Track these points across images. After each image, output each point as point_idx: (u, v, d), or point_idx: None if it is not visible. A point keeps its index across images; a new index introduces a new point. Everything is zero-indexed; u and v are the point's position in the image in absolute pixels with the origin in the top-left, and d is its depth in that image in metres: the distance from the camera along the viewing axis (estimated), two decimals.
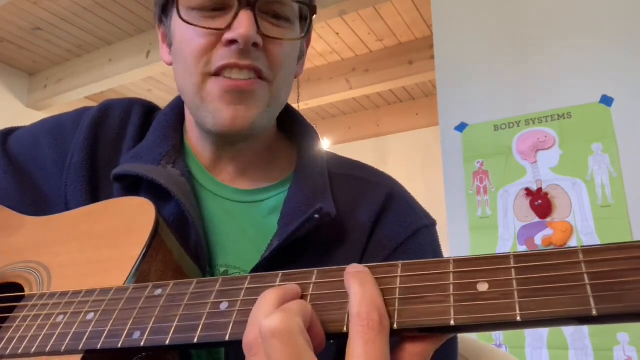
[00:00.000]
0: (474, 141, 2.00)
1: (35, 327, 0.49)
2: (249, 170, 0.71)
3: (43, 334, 0.48)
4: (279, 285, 0.43)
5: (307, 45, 0.76)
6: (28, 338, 0.48)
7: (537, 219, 1.80)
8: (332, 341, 0.40)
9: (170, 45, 0.69)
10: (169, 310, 0.44)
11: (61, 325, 0.48)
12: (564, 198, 1.77)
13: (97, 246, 0.56)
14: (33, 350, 0.47)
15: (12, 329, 0.50)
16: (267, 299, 0.40)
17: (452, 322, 0.35)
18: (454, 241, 1.94)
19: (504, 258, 0.37)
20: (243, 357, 0.58)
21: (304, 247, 0.62)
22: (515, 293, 0.35)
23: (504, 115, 1.96)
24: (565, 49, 1.90)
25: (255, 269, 0.60)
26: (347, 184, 0.70)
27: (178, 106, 0.75)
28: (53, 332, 0.47)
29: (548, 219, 1.78)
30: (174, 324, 0.43)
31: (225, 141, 0.68)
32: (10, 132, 0.76)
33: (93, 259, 0.55)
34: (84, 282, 0.53)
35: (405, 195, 0.72)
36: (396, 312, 0.38)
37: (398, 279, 0.39)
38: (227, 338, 0.40)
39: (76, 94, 3.97)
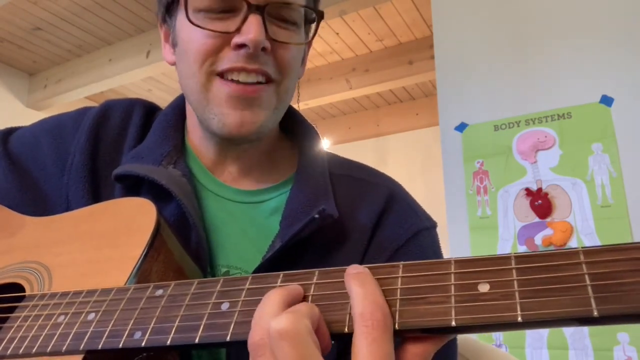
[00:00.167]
0: (474, 141, 2.00)
1: (36, 327, 0.49)
2: (251, 171, 0.71)
3: (44, 334, 0.48)
4: (281, 286, 0.43)
5: (309, 48, 0.77)
6: (29, 338, 0.48)
7: (537, 219, 1.80)
8: (332, 342, 0.40)
9: (174, 45, 0.69)
10: (170, 311, 0.44)
11: (62, 326, 0.48)
12: (564, 198, 1.77)
13: (98, 246, 0.56)
14: (34, 350, 0.47)
15: (13, 329, 0.50)
16: (272, 299, 0.40)
17: (453, 323, 0.36)
18: (454, 241, 1.94)
19: (505, 259, 0.37)
20: (244, 357, 0.58)
21: (305, 248, 0.62)
22: (517, 294, 0.35)
23: (504, 115, 1.96)
24: (565, 49, 1.90)
25: (257, 270, 0.60)
26: (347, 185, 0.70)
27: (179, 106, 0.75)
28: (54, 333, 0.47)
29: (548, 219, 1.78)
30: (175, 324, 0.43)
31: (230, 142, 0.68)
32: (10, 131, 0.76)
33: (94, 259, 0.55)
34: (84, 282, 0.53)
35: (406, 196, 0.72)
36: (397, 313, 0.38)
37: (399, 279, 0.39)
38: (228, 338, 0.40)
39: (76, 94, 3.97)
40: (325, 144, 4.34)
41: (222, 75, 0.63)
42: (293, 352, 0.35)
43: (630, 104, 1.74)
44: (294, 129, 0.77)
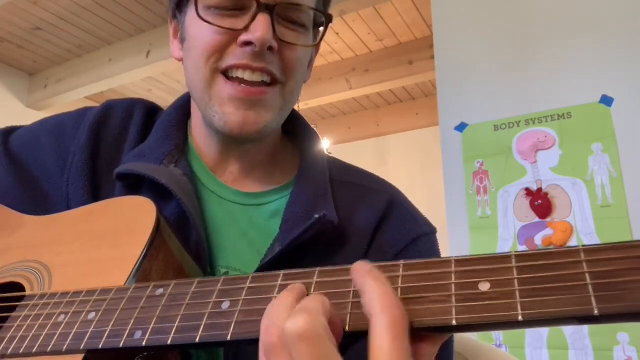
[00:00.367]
0: (474, 141, 2.00)
1: (36, 326, 0.49)
2: (253, 173, 0.71)
3: (44, 333, 0.48)
4: (285, 284, 0.43)
5: (316, 52, 0.77)
6: (29, 338, 0.48)
7: (537, 219, 1.80)
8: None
9: (182, 41, 0.69)
10: (171, 310, 0.44)
11: (62, 325, 0.48)
12: (564, 198, 1.77)
13: (98, 246, 0.56)
14: (35, 350, 0.47)
15: (13, 328, 0.50)
16: (285, 296, 0.39)
17: (454, 322, 0.35)
18: (454, 241, 1.95)
19: (505, 258, 0.37)
20: (242, 357, 0.58)
21: (304, 252, 0.62)
22: (517, 293, 0.35)
23: (504, 115, 1.96)
24: (565, 49, 1.90)
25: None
26: (348, 190, 0.71)
27: (182, 106, 0.75)
28: (54, 332, 0.47)
29: (548, 219, 1.78)
30: (176, 324, 0.43)
31: (233, 141, 0.68)
32: (11, 131, 0.76)
33: (94, 258, 0.55)
34: (85, 281, 0.53)
35: (405, 202, 0.72)
36: None
37: (400, 278, 0.39)
38: (228, 338, 0.40)
39: (76, 94, 3.97)
40: (325, 144, 4.34)
41: (226, 73, 0.63)
42: (313, 353, 0.35)
43: (630, 104, 1.74)
44: (295, 131, 0.77)
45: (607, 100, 1.78)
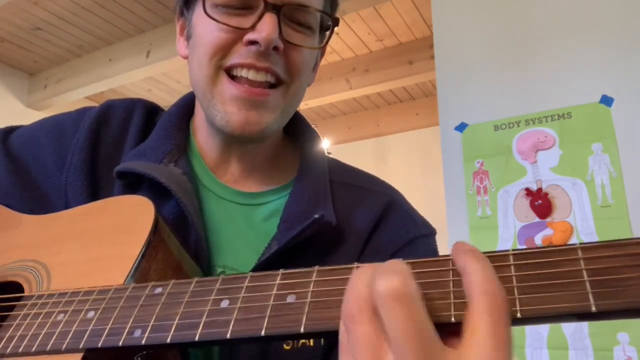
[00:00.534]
0: (474, 141, 2.00)
1: (35, 325, 0.49)
2: (253, 173, 0.71)
3: (43, 332, 0.48)
4: (284, 283, 0.42)
5: (321, 56, 0.77)
6: (28, 337, 0.48)
7: (537, 219, 1.80)
8: (322, 340, 0.39)
9: (188, 39, 0.69)
10: (170, 308, 0.44)
11: (62, 324, 0.48)
12: (564, 198, 1.77)
13: (96, 245, 0.56)
14: (34, 349, 0.47)
15: (12, 327, 0.50)
16: (365, 268, 0.36)
17: (453, 319, 0.35)
18: (454, 241, 1.92)
19: (503, 255, 0.37)
20: (236, 355, 0.58)
21: (301, 252, 0.63)
22: (515, 289, 0.35)
23: (504, 115, 1.96)
24: (565, 49, 1.90)
25: (253, 271, 0.60)
26: (347, 192, 0.71)
27: (185, 105, 0.75)
28: (53, 331, 0.47)
29: (548, 219, 1.78)
30: (175, 322, 0.43)
31: (234, 141, 0.68)
32: (11, 130, 0.76)
33: (92, 257, 0.55)
34: (83, 280, 0.53)
35: (404, 204, 0.72)
36: None
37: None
38: (228, 336, 0.40)
39: (76, 94, 3.97)
40: (325, 144, 4.34)
41: (230, 71, 0.63)
42: (408, 315, 0.32)
43: (630, 104, 1.74)
44: (296, 132, 0.77)
45: (607, 100, 1.78)
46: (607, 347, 1.59)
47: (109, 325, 0.45)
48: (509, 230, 1.84)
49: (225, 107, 0.63)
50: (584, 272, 0.34)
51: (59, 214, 0.64)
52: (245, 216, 0.68)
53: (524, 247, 1.77)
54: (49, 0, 3.24)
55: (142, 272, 0.51)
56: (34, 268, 0.57)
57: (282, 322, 0.40)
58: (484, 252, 0.38)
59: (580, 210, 1.74)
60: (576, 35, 1.89)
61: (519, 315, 0.34)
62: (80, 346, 0.45)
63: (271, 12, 0.61)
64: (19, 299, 0.54)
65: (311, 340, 0.59)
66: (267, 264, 0.60)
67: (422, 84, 4.21)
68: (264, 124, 0.63)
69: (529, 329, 1.71)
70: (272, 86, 0.64)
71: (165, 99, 4.42)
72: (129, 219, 0.57)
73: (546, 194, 1.80)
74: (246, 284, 0.44)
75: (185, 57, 0.71)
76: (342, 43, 3.76)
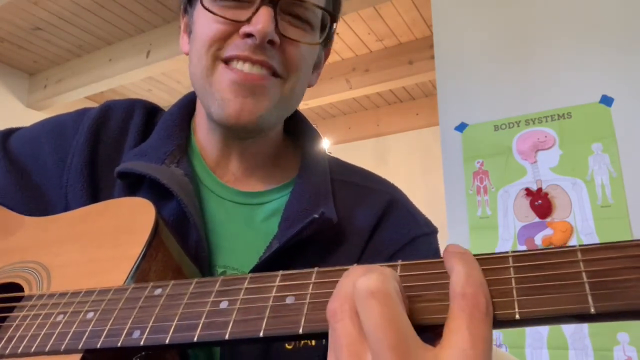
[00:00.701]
0: (474, 141, 2.00)
1: (34, 326, 0.49)
2: (254, 172, 0.71)
3: (43, 333, 0.48)
4: (283, 284, 0.42)
5: (326, 58, 0.77)
6: (28, 337, 0.48)
7: (537, 219, 1.80)
8: (323, 340, 0.39)
9: (189, 34, 0.70)
10: (169, 309, 0.44)
11: (61, 325, 0.48)
12: (564, 198, 1.77)
13: (96, 246, 0.56)
14: (33, 349, 0.47)
15: (11, 328, 0.50)
16: (355, 269, 0.37)
17: None
18: (454, 241, 1.94)
19: (502, 257, 0.37)
20: (238, 355, 0.58)
21: (303, 250, 0.63)
22: (514, 291, 0.35)
23: (504, 115, 1.96)
24: (565, 49, 1.90)
25: (253, 270, 0.60)
26: (348, 190, 0.71)
27: (186, 105, 0.75)
28: (53, 332, 0.47)
29: (548, 219, 1.78)
30: (174, 323, 0.43)
31: (233, 135, 0.68)
32: (11, 132, 0.76)
33: (92, 259, 0.55)
34: (83, 282, 0.53)
35: (406, 202, 0.72)
36: None
37: (398, 276, 0.39)
38: (227, 337, 0.40)
39: (76, 94, 3.97)
40: (325, 144, 4.34)
41: (227, 62, 0.63)
42: (382, 311, 0.32)
43: (630, 104, 1.74)
44: (297, 131, 0.77)
45: (607, 100, 1.78)
46: (607, 347, 1.59)
47: (108, 326, 0.45)
48: (509, 230, 1.84)
49: (222, 95, 0.63)
50: (583, 273, 0.34)
51: (59, 215, 0.64)
52: (246, 216, 0.68)
53: (524, 246, 1.78)
54: (49, 0, 3.24)
55: (142, 273, 0.51)
56: (34, 269, 0.57)
57: (281, 323, 0.40)
58: (483, 254, 0.38)
59: (580, 210, 1.74)
60: (576, 35, 1.89)
61: (517, 316, 0.34)
62: (79, 347, 0.45)
63: (268, 5, 0.61)
64: (18, 299, 0.54)
65: (313, 340, 0.59)
66: (268, 263, 0.60)
67: (422, 84, 4.21)
68: (259, 112, 0.63)
69: (529, 329, 1.71)
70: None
71: (165, 99, 4.42)
72: (129, 220, 0.57)
73: (546, 194, 1.80)
74: (245, 285, 0.44)
75: (187, 53, 0.71)
76: (342, 43, 3.76)
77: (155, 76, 4.05)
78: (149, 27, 3.53)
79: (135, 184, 0.66)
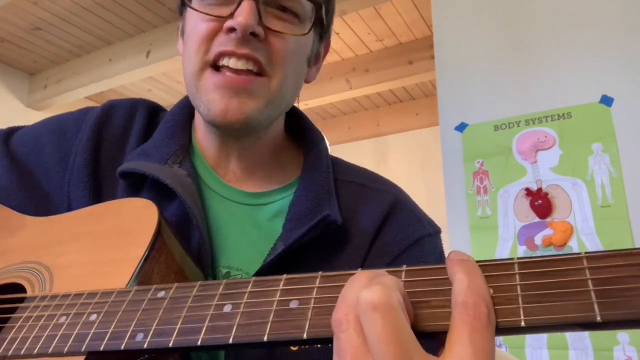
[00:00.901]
0: (474, 141, 2.00)
1: (37, 328, 0.49)
2: (255, 172, 0.71)
3: (45, 334, 0.48)
4: (287, 289, 0.42)
5: (325, 52, 0.76)
6: (30, 339, 0.48)
7: (537, 219, 1.80)
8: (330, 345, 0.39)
9: (183, 36, 0.70)
10: (172, 313, 0.44)
11: (64, 327, 0.48)
12: (564, 198, 1.77)
13: (99, 247, 0.56)
14: (35, 351, 0.47)
15: (14, 329, 0.50)
16: (358, 274, 0.38)
17: None
18: (454, 241, 1.95)
19: (508, 264, 0.37)
20: (242, 355, 0.58)
21: (307, 251, 0.62)
22: (520, 298, 0.35)
23: (504, 115, 1.96)
24: (565, 49, 1.90)
25: (258, 272, 0.60)
26: (352, 191, 0.71)
27: (187, 105, 0.75)
28: (55, 334, 0.47)
29: (548, 219, 1.78)
30: (177, 326, 0.43)
31: (229, 135, 0.68)
32: (12, 131, 0.76)
33: (95, 260, 0.55)
34: (86, 283, 0.53)
35: (409, 203, 0.72)
36: None
37: (402, 283, 0.39)
38: (230, 341, 0.40)
39: (76, 94, 3.97)
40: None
41: (215, 64, 0.63)
42: (386, 325, 0.33)
43: (630, 104, 1.74)
44: (300, 133, 0.77)
45: (607, 100, 1.78)
46: (607, 347, 1.59)
47: (111, 328, 0.45)
48: (509, 230, 1.84)
49: (208, 97, 0.63)
50: (589, 281, 0.34)
51: (61, 215, 0.64)
52: (250, 216, 0.68)
53: (524, 246, 1.78)
54: (49, 0, 3.24)
55: (145, 275, 0.51)
56: (37, 270, 0.57)
57: (285, 328, 0.39)
58: (489, 261, 0.38)
59: (580, 210, 1.74)
60: (576, 35, 1.89)
61: (523, 324, 0.34)
62: (82, 349, 0.45)
63: None
64: (21, 300, 0.54)
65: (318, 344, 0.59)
66: (272, 265, 0.60)
67: (422, 84, 4.21)
68: (246, 112, 0.62)
69: None
70: (255, 75, 0.63)
71: (166, 99, 4.42)
72: (132, 221, 0.57)
73: (546, 194, 1.80)
74: (249, 288, 0.44)
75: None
76: (342, 43, 3.76)
77: (155, 76, 4.04)
78: (149, 27, 3.53)
79: (137, 184, 0.66)
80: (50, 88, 4.10)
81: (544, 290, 0.35)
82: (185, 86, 0.68)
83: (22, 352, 0.47)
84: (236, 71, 0.62)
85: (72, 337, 0.46)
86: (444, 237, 0.74)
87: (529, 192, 1.84)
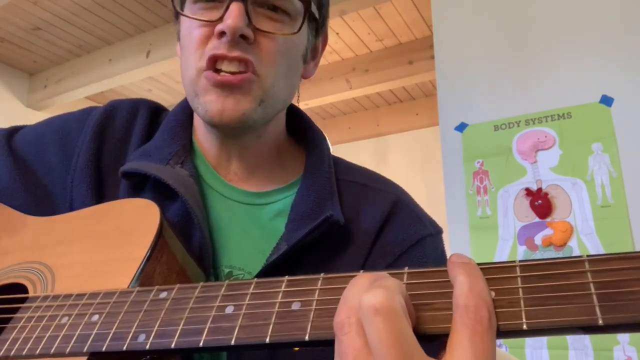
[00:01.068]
0: (474, 141, 2.00)
1: (39, 328, 0.49)
2: (257, 172, 0.71)
3: (47, 335, 0.48)
4: (289, 290, 0.42)
5: (323, 46, 0.76)
6: (32, 339, 0.48)
7: (537, 219, 1.80)
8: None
9: (179, 40, 0.70)
10: (174, 314, 0.44)
11: (66, 327, 0.48)
12: (564, 198, 1.77)
13: (101, 248, 0.56)
14: (37, 351, 0.47)
15: (16, 330, 0.50)
16: (360, 276, 0.38)
17: None
18: (454, 241, 1.95)
19: (510, 267, 0.37)
20: (244, 356, 0.58)
21: (309, 251, 0.63)
22: (522, 301, 0.35)
23: (504, 115, 1.96)
24: (565, 49, 1.90)
25: (261, 271, 0.60)
26: (353, 190, 0.71)
27: (188, 105, 0.75)
28: (57, 334, 0.47)
29: (548, 219, 1.78)
30: (180, 327, 0.43)
31: (228, 135, 0.68)
32: (15, 130, 0.76)
33: (97, 260, 0.55)
34: (87, 283, 0.53)
35: (411, 203, 0.72)
36: None
37: (404, 286, 0.39)
38: (232, 342, 0.40)
39: (76, 94, 3.97)
40: None
41: (208, 69, 0.63)
42: (388, 329, 0.33)
43: (630, 104, 1.75)
44: (302, 133, 0.77)
45: (607, 100, 1.78)
46: (607, 347, 1.59)
47: (113, 329, 0.45)
48: (509, 230, 1.84)
49: (204, 98, 0.63)
50: (591, 284, 0.34)
51: (63, 216, 0.64)
52: (252, 216, 0.68)
53: (524, 247, 1.78)
54: (49, 0, 3.24)
55: (146, 275, 0.51)
56: (39, 270, 0.57)
57: (287, 330, 0.40)
58: (491, 264, 0.38)
59: (580, 210, 1.74)
60: (576, 35, 1.90)
61: (525, 327, 0.34)
62: (84, 350, 0.45)
63: (238, 0, 0.61)
64: (23, 300, 0.54)
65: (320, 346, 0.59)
66: (275, 265, 0.60)
67: (422, 84, 4.21)
68: (241, 110, 0.62)
69: None
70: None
71: (166, 99, 4.41)
72: (134, 221, 0.57)
73: (546, 194, 1.80)
74: (251, 290, 0.44)
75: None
76: (342, 43, 3.76)
77: (155, 76, 4.04)
78: (149, 27, 3.53)
79: (139, 184, 0.66)
80: (50, 88, 4.09)
81: (546, 293, 0.35)
82: (185, 90, 0.68)
83: (24, 352, 0.47)
84: (229, 73, 0.62)
85: (74, 337, 0.46)
86: (444, 237, 0.74)
87: (529, 192, 1.84)
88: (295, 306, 0.41)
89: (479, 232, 1.90)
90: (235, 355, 0.59)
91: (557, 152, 1.83)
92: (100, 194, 0.67)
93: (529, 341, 1.71)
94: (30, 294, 0.55)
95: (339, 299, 0.40)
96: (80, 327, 0.47)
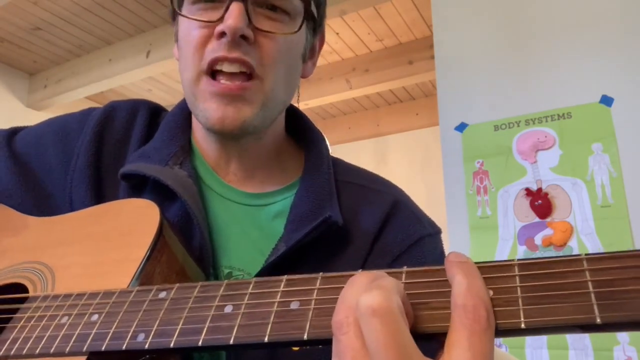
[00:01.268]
0: (474, 141, 2.00)
1: (39, 328, 0.49)
2: (256, 173, 0.71)
3: (47, 335, 0.48)
4: (288, 290, 0.43)
5: (321, 45, 0.76)
6: (32, 339, 0.48)
7: (537, 219, 1.80)
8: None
9: (177, 41, 0.70)
10: (174, 313, 0.44)
11: (65, 327, 0.48)
12: (564, 198, 1.78)
13: (101, 248, 0.57)
14: (37, 351, 0.47)
15: (16, 329, 0.50)
16: (358, 276, 0.38)
17: None
18: (454, 241, 1.95)
19: (507, 265, 0.37)
20: (244, 357, 0.58)
21: (308, 252, 0.63)
22: (520, 300, 0.35)
23: (504, 115, 1.96)
24: (565, 49, 1.90)
25: (260, 272, 0.60)
26: (352, 191, 0.71)
27: (187, 106, 0.75)
28: (57, 334, 0.48)
29: (548, 219, 1.78)
30: (179, 327, 0.43)
31: (227, 138, 0.68)
32: (15, 131, 0.76)
33: (97, 260, 0.56)
34: (87, 283, 0.53)
35: (410, 203, 0.72)
36: None
37: (402, 285, 0.39)
38: (231, 342, 0.40)
39: (76, 94, 3.97)
40: None
41: (209, 73, 0.63)
42: (385, 330, 0.33)
43: (630, 104, 1.75)
44: (301, 134, 0.77)
45: (607, 100, 1.78)
46: (607, 347, 1.59)
47: (113, 328, 0.45)
48: (509, 230, 1.84)
49: (205, 105, 0.63)
50: (589, 283, 0.34)
51: (63, 216, 0.64)
52: (251, 217, 0.68)
53: (524, 246, 1.78)
54: (49, 0, 3.24)
55: (146, 275, 0.52)
56: (39, 270, 0.58)
57: (285, 329, 0.40)
58: (489, 262, 0.38)
59: (580, 210, 1.74)
60: (576, 35, 1.90)
61: (523, 326, 0.34)
62: (84, 349, 0.45)
63: (238, 1, 0.60)
64: (23, 300, 0.54)
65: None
66: (274, 265, 0.60)
67: (422, 84, 4.21)
68: (242, 118, 0.62)
69: None
70: (249, 78, 0.63)
71: (166, 99, 4.42)
72: (133, 222, 0.57)
73: (546, 194, 1.80)
74: (250, 289, 0.44)
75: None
76: (342, 43, 3.76)
77: (155, 76, 4.04)
78: (149, 27, 3.53)
79: (139, 185, 0.66)
80: (50, 88, 4.10)
81: (544, 292, 0.35)
82: (185, 93, 0.68)
83: (24, 352, 0.48)
84: (230, 76, 0.62)
85: (74, 337, 0.46)
86: (444, 237, 0.74)
87: (529, 192, 1.84)
88: (294, 305, 0.41)
89: (479, 232, 1.90)
90: (235, 355, 0.59)
91: (557, 152, 1.83)
92: (99, 195, 0.67)
93: (529, 341, 1.71)
94: (31, 294, 0.55)
95: (338, 298, 0.40)
96: (80, 327, 0.47)
